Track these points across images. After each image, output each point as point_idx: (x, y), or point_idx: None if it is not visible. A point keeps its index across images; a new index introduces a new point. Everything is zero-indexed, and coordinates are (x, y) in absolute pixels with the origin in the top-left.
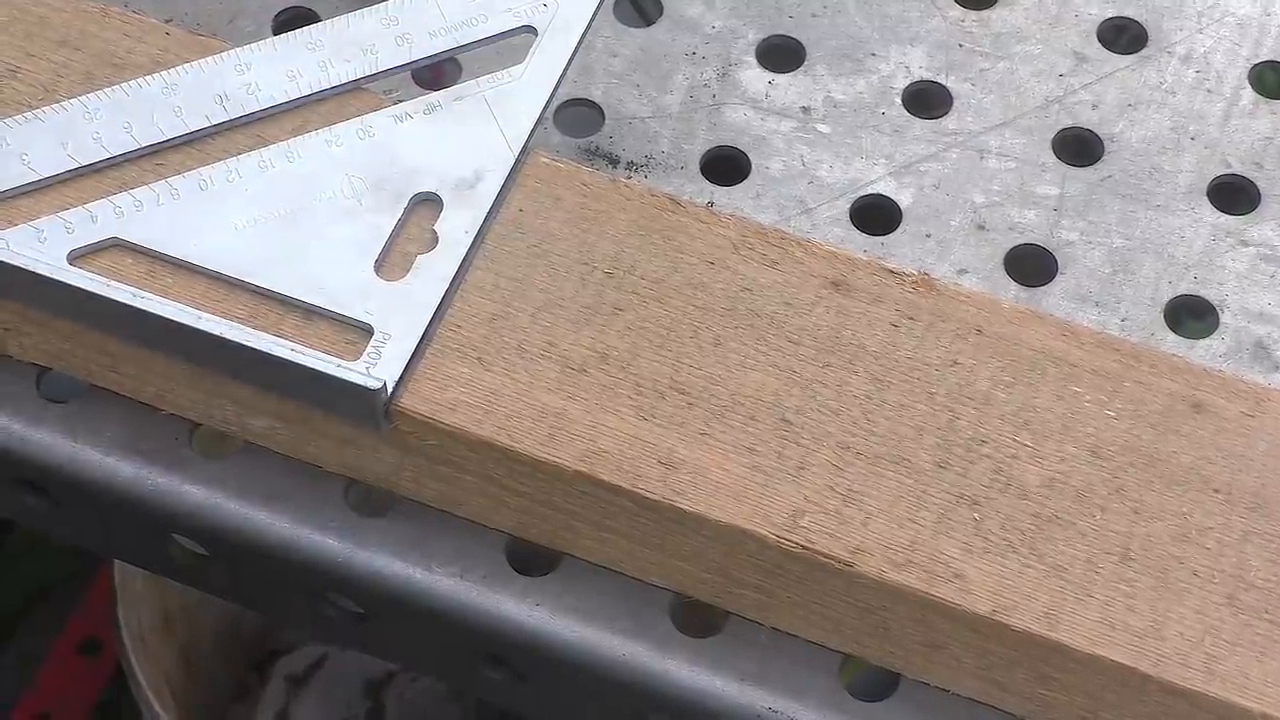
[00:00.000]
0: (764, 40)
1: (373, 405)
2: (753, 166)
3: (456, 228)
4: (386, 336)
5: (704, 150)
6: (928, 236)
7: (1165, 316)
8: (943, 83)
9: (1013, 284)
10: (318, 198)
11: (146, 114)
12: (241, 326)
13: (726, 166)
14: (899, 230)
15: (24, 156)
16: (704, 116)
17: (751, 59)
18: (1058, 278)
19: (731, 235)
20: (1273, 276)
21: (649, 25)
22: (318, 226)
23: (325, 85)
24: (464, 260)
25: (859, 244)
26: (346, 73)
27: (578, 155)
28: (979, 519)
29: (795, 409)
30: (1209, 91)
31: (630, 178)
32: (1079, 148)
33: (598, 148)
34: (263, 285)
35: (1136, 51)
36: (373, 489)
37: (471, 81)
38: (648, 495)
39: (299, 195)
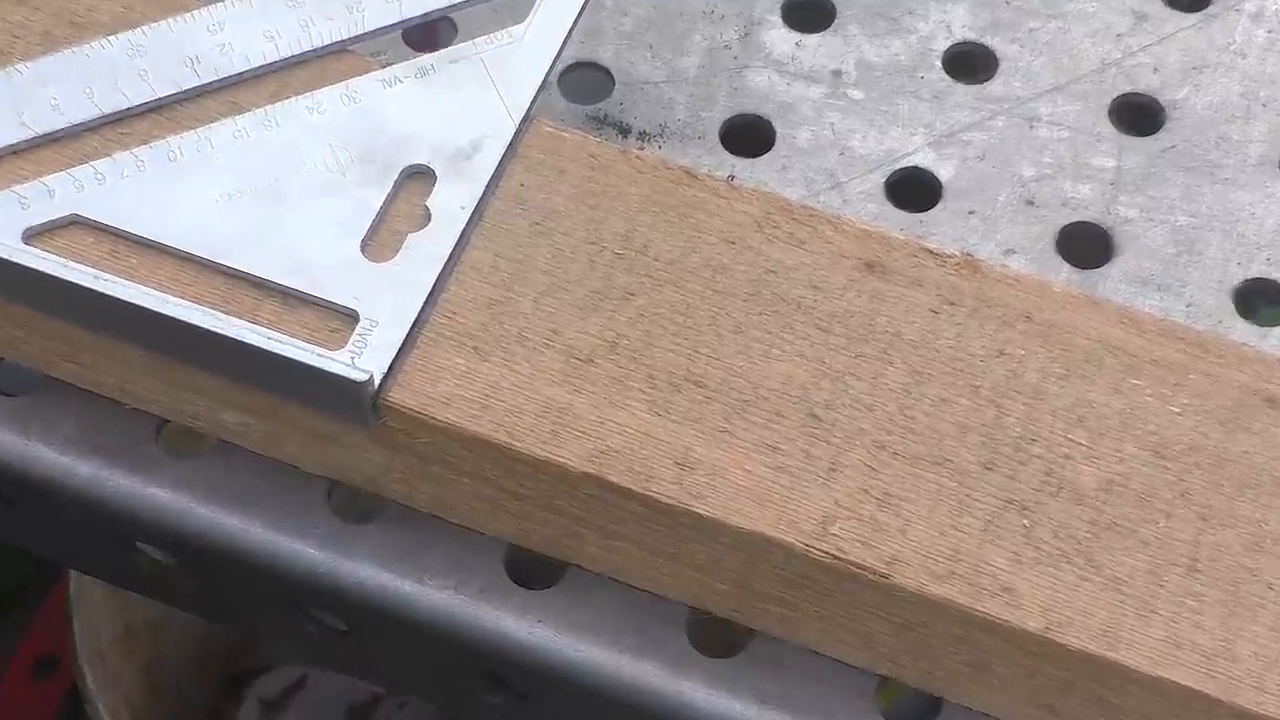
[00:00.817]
0: None
1: (358, 399)
2: (778, 136)
3: (451, 203)
4: (374, 323)
5: (724, 118)
6: (971, 213)
7: (1235, 302)
8: (987, 44)
9: (1065, 266)
10: (298, 170)
11: (109, 78)
12: (213, 312)
13: (749, 136)
14: (939, 206)
15: None
16: (724, 81)
17: (776, 18)
18: (1115, 259)
19: (754, 212)
20: None
21: None
22: (298, 202)
23: (306, 46)
24: (459, 239)
25: (895, 221)
26: (330, 32)
27: (585, 124)
28: (1029, 526)
29: (825, 404)
30: None
31: (643, 148)
32: (1138, 116)
33: (607, 116)
34: (237, 267)
35: (1202, 9)
36: (358, 492)
37: (468, 43)
38: (661, 498)
39: (277, 167)
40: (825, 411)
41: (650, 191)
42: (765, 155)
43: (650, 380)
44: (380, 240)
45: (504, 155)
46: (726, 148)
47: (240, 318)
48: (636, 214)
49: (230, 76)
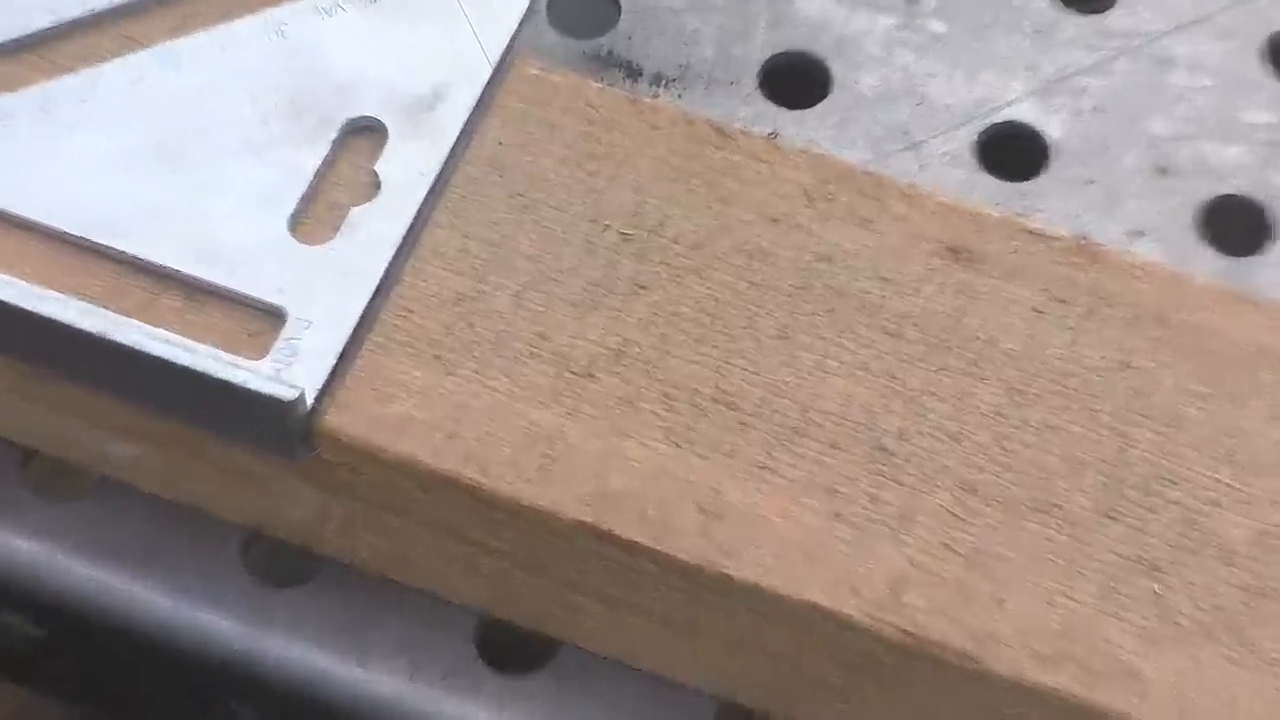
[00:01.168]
0: None
1: (285, 423)
2: (834, 81)
3: (407, 168)
4: (305, 324)
5: (765, 57)
6: (1089, 183)
7: None
8: None
9: (1209, 252)
10: (208, 125)
11: None
12: (95, 309)
13: (797, 81)
14: (1045, 174)
15: None
16: (765, 7)
17: None
18: (1274, 244)
19: (804, 180)
20: None
21: None
22: (207, 166)
23: None
24: (417, 215)
25: (988, 193)
26: None
27: (582, 64)
28: (1162, 592)
29: (896, 432)
30: None
31: (658, 96)
32: None
33: (611, 53)
34: (127, 250)
35: None
36: (284, 546)
37: None
38: (680, 555)
39: (180, 121)
40: (897, 442)
41: (667, 154)
42: (818, 106)
43: (667, 400)
44: (315, 216)
45: (476, 106)
46: (768, 96)
47: (130, 316)
48: (650, 183)
49: (121, 5)
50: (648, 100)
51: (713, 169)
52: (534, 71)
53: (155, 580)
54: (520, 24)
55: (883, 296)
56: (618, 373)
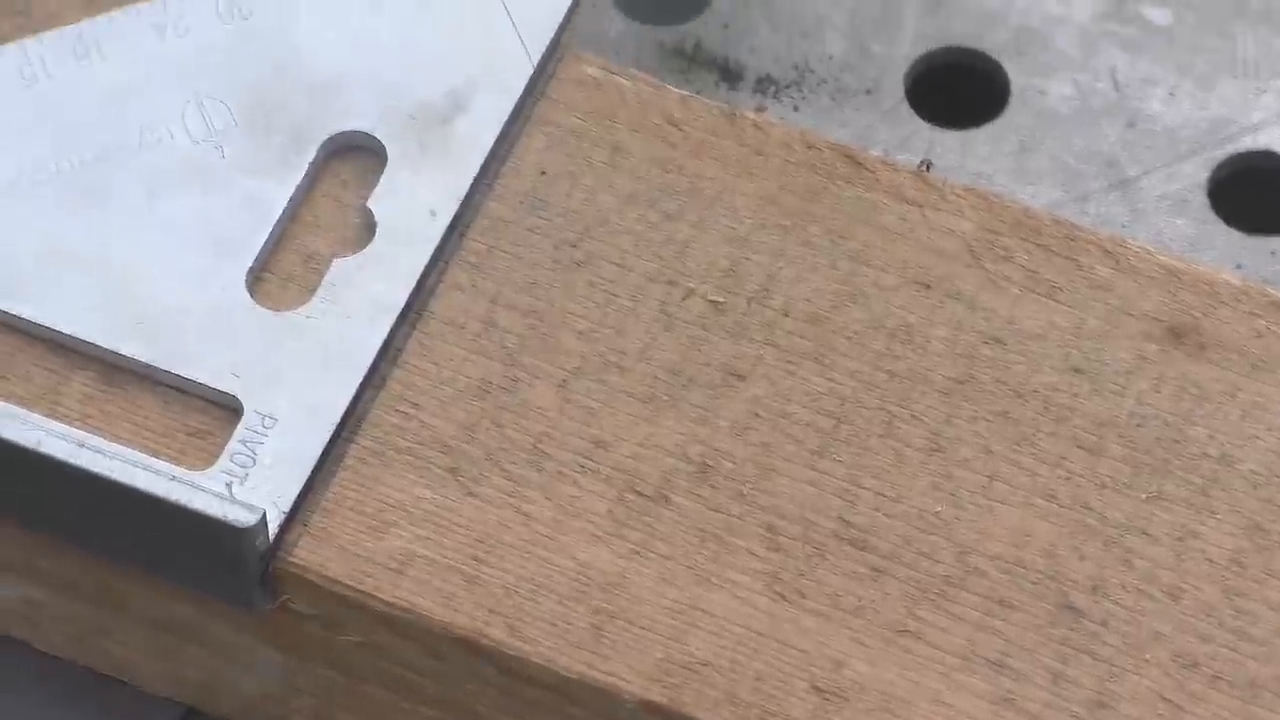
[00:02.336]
0: None
1: (237, 560)
2: (1013, 91)
3: (412, 205)
4: (268, 422)
5: (915, 56)
6: None
7: None
8: None
9: None
10: (136, 140)
11: None
12: None
13: (959, 91)
14: None
15: None
16: None
17: None
18: None
19: (968, 230)
20: None
21: None
22: (135, 197)
23: None
24: (426, 271)
25: (1226, 252)
26: None
27: (660, 62)
28: None
29: (1090, 585)
30: None
31: (765, 110)
32: None
33: (700, 47)
34: (22, 316)
35: None
36: None
37: None
38: None
39: (99, 134)
40: (1091, 600)
41: (777, 190)
42: (989, 125)
43: (771, 536)
44: (283, 270)
45: (510, 118)
46: (918, 111)
47: (27, 405)
48: (751, 231)
49: None
50: (750, 114)
51: (840, 211)
52: (592, 72)
53: None
54: (574, 3)
55: (1075, 396)
56: (701, 497)
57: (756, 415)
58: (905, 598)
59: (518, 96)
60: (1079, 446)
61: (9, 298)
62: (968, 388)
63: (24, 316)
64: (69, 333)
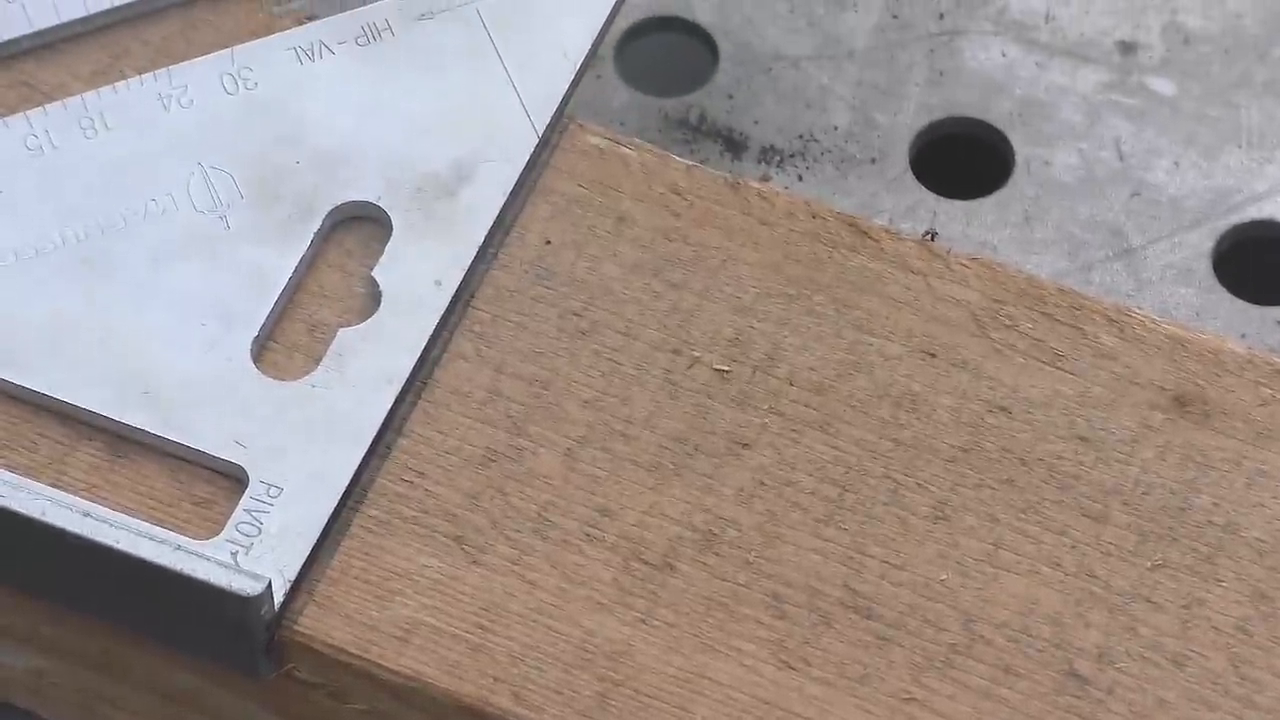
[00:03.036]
0: None
1: (243, 628)
2: (1017, 161)
3: (417, 275)
4: (274, 491)
5: (919, 127)
6: None
7: None
8: None
9: None
10: (141, 210)
11: None
12: None
13: (963, 160)
14: None
15: None
16: (921, 57)
17: None
18: None
19: (973, 298)
20: None
21: None
22: (139, 268)
23: None
24: (431, 341)
25: (1230, 321)
26: None
27: (665, 132)
28: None
29: (1096, 653)
30: None
31: (768, 179)
32: None
33: (705, 118)
34: (28, 386)
35: None
36: None
37: None
38: None
39: (105, 204)
40: (1097, 668)
41: (782, 259)
42: (994, 195)
43: (776, 604)
44: (288, 341)
45: (515, 189)
46: (923, 180)
47: (33, 476)
48: (756, 300)
49: (22, 39)
50: (756, 184)
51: (845, 281)
52: (596, 142)
53: None
54: (578, 74)
55: (1080, 464)
56: (707, 565)
57: (762, 484)
58: (911, 666)
59: (522, 167)
60: (1084, 514)
61: (14, 368)
62: (973, 455)
63: (30, 387)
64: (75, 403)
